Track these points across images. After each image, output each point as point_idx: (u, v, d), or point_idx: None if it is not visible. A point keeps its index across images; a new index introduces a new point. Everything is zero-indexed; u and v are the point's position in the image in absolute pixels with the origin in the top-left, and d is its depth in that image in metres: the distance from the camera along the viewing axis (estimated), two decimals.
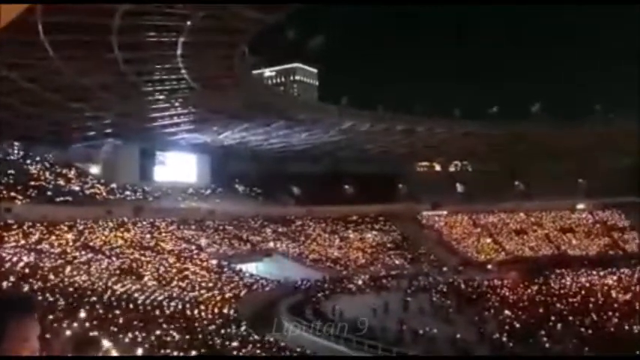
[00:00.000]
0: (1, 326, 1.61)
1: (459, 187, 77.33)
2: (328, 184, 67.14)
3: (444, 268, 55.95)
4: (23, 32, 25.59)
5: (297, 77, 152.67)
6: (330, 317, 35.04)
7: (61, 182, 48.68)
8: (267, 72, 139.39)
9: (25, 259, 32.05)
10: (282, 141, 63.00)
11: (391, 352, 26.53)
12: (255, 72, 59.99)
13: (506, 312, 35.48)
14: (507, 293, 44.25)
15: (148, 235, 45.82)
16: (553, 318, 33.42)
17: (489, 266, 58.83)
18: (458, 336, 29.08)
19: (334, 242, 60.39)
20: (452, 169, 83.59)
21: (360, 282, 48.12)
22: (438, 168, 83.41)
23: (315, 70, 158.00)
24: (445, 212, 72.26)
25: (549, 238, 70.12)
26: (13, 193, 41.46)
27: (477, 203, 71.80)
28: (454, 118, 63.60)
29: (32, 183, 45.07)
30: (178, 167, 63.24)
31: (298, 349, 27.07)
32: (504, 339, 29.01)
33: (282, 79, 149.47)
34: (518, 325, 32.02)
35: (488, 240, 67.92)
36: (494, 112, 64.05)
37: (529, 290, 45.46)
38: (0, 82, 34.40)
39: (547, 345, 27.88)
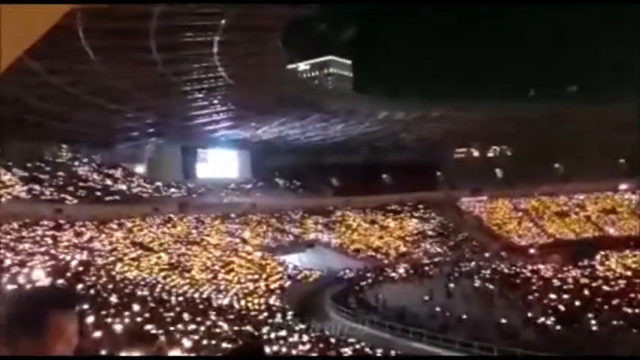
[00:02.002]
0: (39, 320, 1.65)
1: (498, 172, 76.48)
2: (366, 174, 67.40)
3: (486, 254, 55.61)
4: (64, 38, 26.58)
5: (331, 70, 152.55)
6: (373, 305, 35.46)
7: (109, 182, 50.36)
8: (302, 66, 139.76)
9: (77, 257, 33.36)
10: (319, 133, 63.51)
11: (436, 339, 26.80)
12: (289, 66, 60.42)
13: (551, 295, 35.18)
14: (551, 277, 43.78)
15: (194, 231, 46.92)
16: (599, 300, 33.03)
17: (532, 250, 58.17)
18: (503, 321, 29.11)
19: (374, 231, 60.62)
20: (490, 154, 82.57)
21: (401, 270, 48.31)
22: (475, 153, 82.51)
23: (349, 62, 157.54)
24: (485, 198, 71.61)
25: (592, 220, 68.73)
26: (63, 195, 42.99)
27: (517, 187, 70.86)
28: (490, 102, 62.86)
29: (81, 184, 46.69)
30: (220, 163, 64.59)
31: (342, 338, 27.59)
32: (549, 322, 28.88)
33: (317, 73, 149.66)
34: (563, 309, 31.75)
35: (530, 224, 67.04)
36: (531, 94, 62.98)
37: (573, 273, 44.85)
38: (43, 88, 35.86)
39: (594, 328, 27.66)
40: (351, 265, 48.76)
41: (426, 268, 49.44)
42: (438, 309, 32.75)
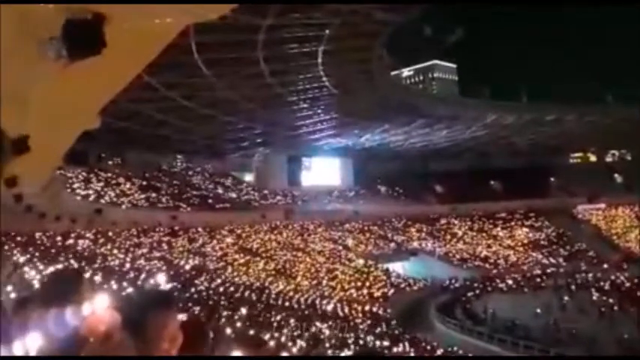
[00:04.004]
0: (142, 316, 1.83)
1: (618, 178, 71.45)
2: (472, 180, 65.47)
3: (605, 265, 52.08)
4: (179, 54, 28.16)
5: (435, 74, 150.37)
6: (481, 317, 34.39)
7: (220, 190, 52.79)
8: (406, 72, 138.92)
9: (190, 262, 35.14)
10: (422, 139, 62.72)
11: (548, 353, 25.53)
12: (393, 73, 60.30)
13: None
14: None
15: (299, 237, 47.96)
16: None
17: None
18: (625, 336, 27.15)
19: (482, 240, 58.75)
20: (608, 158, 77.39)
21: (511, 281, 46.46)
22: (592, 158, 77.69)
23: (454, 66, 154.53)
24: (603, 205, 67.06)
25: None
26: (178, 202, 45.55)
27: (639, 194, 65.64)
28: (607, 104, 59.04)
29: (194, 192, 49.26)
30: (323, 171, 65.54)
31: (449, 349, 27.01)
32: None
33: (421, 78, 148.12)
34: None
35: None
36: None
37: None
38: (162, 102, 38.25)
39: None
40: (457, 275, 47.52)
41: (538, 279, 47.20)
42: (551, 322, 31.21)
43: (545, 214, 64.10)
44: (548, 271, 50.35)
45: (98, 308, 1.95)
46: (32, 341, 1.85)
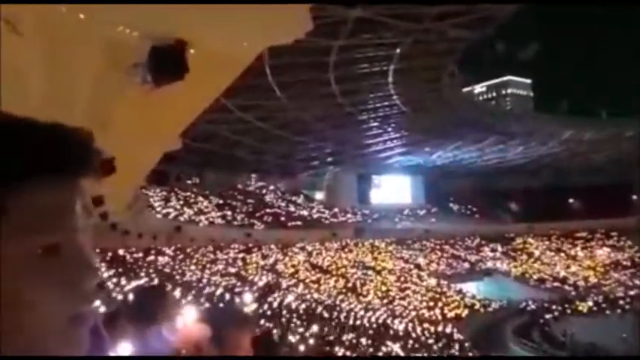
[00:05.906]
0: (219, 331, 1.96)
1: None
2: (550, 198, 63.11)
3: None
4: (254, 76, 28.97)
5: (509, 90, 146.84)
6: (560, 340, 33.03)
7: (292, 208, 53.64)
8: (478, 88, 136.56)
9: (264, 278, 35.83)
10: (496, 156, 61.28)
11: None
12: (465, 89, 59.45)
13: None
14: None
15: (369, 255, 47.84)
16: None
17: None
18: None
19: (560, 260, 56.47)
20: None
21: (591, 303, 44.36)
22: None
23: (528, 81, 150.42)
24: None
25: None
26: (252, 220, 46.67)
27: None
28: None
29: (268, 210, 50.32)
30: (393, 189, 65.21)
31: None
32: None
33: (494, 94, 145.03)
34: None
35: None
36: None
37: None
38: (237, 123, 39.47)
39: None
40: (534, 296, 45.86)
41: (621, 301, 44.79)
42: (635, 347, 29.53)
43: (628, 234, 60.91)
44: (632, 292, 47.70)
45: (189, 322, 2.18)
46: (123, 352, 2.10)
